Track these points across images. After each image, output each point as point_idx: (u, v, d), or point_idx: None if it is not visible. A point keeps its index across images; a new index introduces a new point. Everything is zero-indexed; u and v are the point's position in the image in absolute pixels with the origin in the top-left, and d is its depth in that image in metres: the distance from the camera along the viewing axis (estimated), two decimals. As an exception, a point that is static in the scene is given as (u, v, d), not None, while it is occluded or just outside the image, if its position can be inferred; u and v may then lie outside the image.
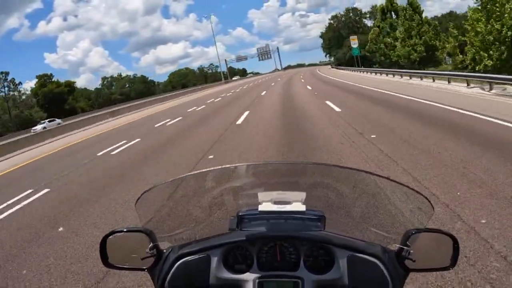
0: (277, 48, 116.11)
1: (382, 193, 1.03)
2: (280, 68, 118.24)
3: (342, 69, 46.85)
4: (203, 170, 1.03)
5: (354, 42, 45.60)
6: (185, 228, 1.02)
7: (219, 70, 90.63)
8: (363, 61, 46.34)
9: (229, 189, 1.09)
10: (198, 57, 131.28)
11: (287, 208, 0.87)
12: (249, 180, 1.09)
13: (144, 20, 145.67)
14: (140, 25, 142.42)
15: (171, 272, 0.87)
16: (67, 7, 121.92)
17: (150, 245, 0.87)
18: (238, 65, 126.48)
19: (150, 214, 1.01)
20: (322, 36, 72.70)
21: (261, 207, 0.87)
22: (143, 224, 0.95)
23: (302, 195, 0.89)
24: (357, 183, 1.06)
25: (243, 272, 0.85)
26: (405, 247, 0.82)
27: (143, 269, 0.88)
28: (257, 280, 0.83)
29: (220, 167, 1.04)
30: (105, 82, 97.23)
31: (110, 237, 0.88)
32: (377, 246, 0.87)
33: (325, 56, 76.88)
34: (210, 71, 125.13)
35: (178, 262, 0.87)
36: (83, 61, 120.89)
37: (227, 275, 0.85)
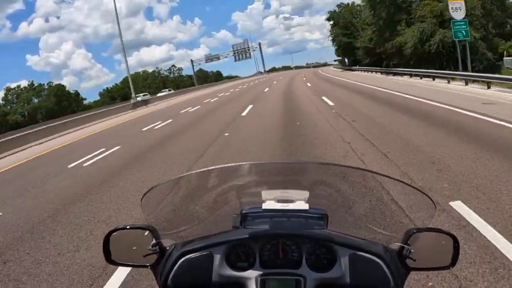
0: (259, 45, 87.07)
1: (384, 192, 1.10)
2: (263, 71, 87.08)
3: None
4: (207, 168, 1.10)
5: (456, 5, 12.37)
6: (189, 226, 1.09)
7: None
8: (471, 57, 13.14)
9: (233, 187, 1.16)
10: (181, 59, 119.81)
11: (291, 206, 0.94)
12: (252, 178, 1.16)
13: (127, 22, 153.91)
14: (123, 27, 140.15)
15: (174, 269, 0.93)
16: (49, 8, 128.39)
17: (153, 242, 0.94)
18: (211, 67, 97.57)
19: (154, 211, 1.08)
20: (331, 17, 39.36)
21: (265, 205, 0.96)
22: (147, 221, 1.03)
23: (305, 193, 0.98)
24: (360, 181, 1.13)
25: (245, 269, 0.93)
26: (406, 246, 0.90)
27: (146, 266, 0.95)
28: (259, 278, 0.91)
29: (223, 165, 1.11)
30: (8, 96, 63.90)
31: (114, 234, 0.95)
32: (379, 245, 0.95)
33: (338, 54, 44.42)
34: (172, 75, 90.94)
35: (181, 260, 0.94)
36: (65, 64, 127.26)
37: (230, 272, 0.93)
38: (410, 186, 0.99)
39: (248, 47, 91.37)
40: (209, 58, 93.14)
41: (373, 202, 1.11)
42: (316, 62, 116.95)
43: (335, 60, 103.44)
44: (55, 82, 68.84)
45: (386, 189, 1.08)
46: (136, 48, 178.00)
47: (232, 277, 0.91)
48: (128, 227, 0.96)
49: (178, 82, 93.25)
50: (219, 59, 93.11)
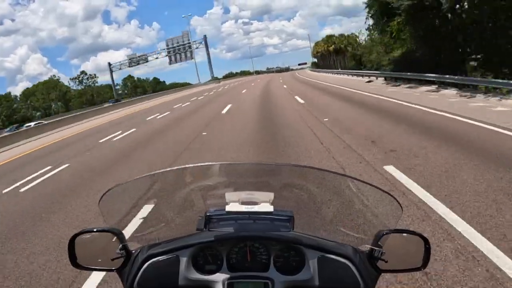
0: (205, 39, 60.40)
1: (352, 194, 1.12)
2: (211, 77, 60.74)
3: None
4: (172, 168, 1.08)
5: None
6: (154, 228, 1.07)
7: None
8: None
9: (198, 188, 1.13)
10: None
11: (255, 208, 0.94)
12: (218, 179, 1.14)
13: (84, 26, 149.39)
14: (80, 31, 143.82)
15: (140, 273, 0.91)
16: (3, 10, 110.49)
17: (119, 245, 0.92)
18: (146, 73, 73.62)
19: (117, 213, 1.04)
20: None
21: (228, 208, 0.94)
22: (111, 224, 1.00)
23: (270, 195, 0.98)
24: (328, 184, 1.14)
25: (212, 273, 0.93)
26: (376, 248, 0.90)
27: (112, 270, 0.93)
28: (226, 281, 0.90)
29: (189, 165, 1.08)
30: None
31: (78, 237, 0.92)
32: (348, 247, 0.97)
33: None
34: (80, 86, 60.24)
35: (147, 263, 0.92)
36: (20, 69, 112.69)
37: (197, 276, 0.92)
38: (377, 189, 0.99)
39: (189, 43, 66.11)
40: (133, 60, 66.75)
41: (342, 204, 1.12)
42: (277, 67, 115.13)
43: (299, 64, 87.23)
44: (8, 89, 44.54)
45: (353, 190, 1.09)
46: (93, 52, 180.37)
47: (199, 281, 0.90)
48: (94, 230, 0.93)
49: (91, 96, 65.94)
50: (147, 60, 67.85)
